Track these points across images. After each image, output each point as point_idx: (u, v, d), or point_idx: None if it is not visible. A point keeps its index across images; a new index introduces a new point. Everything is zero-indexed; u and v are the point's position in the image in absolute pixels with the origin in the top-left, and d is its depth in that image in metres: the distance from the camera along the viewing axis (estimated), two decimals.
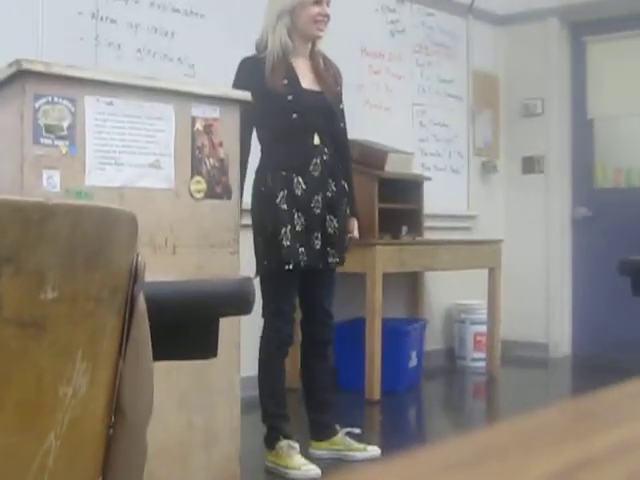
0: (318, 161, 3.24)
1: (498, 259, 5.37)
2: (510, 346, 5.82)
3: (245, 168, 3.12)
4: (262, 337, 3.27)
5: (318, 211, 3.23)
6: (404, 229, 5.01)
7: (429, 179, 5.35)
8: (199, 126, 2.58)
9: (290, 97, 3.19)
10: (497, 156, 6.35)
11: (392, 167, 4.93)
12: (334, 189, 3.29)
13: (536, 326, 6.15)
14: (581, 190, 6.18)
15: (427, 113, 5.82)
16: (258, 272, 3.19)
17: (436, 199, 5.48)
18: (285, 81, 3.20)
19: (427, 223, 5.27)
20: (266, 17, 3.26)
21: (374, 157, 4.87)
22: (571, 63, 6.24)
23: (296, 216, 3.19)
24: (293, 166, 3.20)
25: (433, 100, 5.87)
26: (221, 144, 2.64)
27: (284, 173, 3.19)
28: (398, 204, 4.99)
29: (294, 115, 3.19)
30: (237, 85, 3.11)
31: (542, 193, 6.21)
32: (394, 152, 5.00)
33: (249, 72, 3.18)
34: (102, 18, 4.05)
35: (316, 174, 3.23)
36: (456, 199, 6.02)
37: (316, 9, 3.21)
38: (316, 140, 3.25)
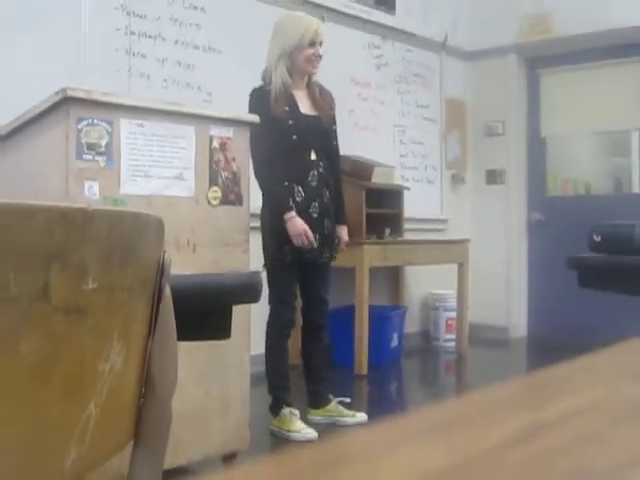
0: (315, 173, 3.24)
1: (466, 256, 5.38)
2: (476, 329, 5.82)
3: (273, 180, 3.12)
4: (268, 322, 3.27)
5: (316, 215, 3.23)
6: (387, 231, 5.01)
7: (408, 189, 5.35)
8: (216, 144, 2.58)
9: (291, 122, 3.19)
10: (465, 169, 6.36)
11: (377, 178, 4.93)
12: (328, 196, 3.30)
13: (498, 312, 6.16)
14: (535, 198, 6.19)
15: (406, 133, 5.83)
16: (265, 265, 3.20)
17: (414, 205, 5.49)
18: (287, 108, 3.20)
19: (406, 225, 5.28)
20: (269, 55, 3.26)
21: (362, 170, 4.87)
22: (527, 91, 6.24)
23: None
24: (294, 177, 3.20)
25: (411, 122, 5.88)
26: (234, 159, 2.64)
27: (287, 184, 3.20)
28: (382, 209, 4.99)
29: (294, 136, 3.20)
30: (251, 110, 3.12)
31: (502, 201, 6.22)
32: (379, 166, 5.00)
33: (258, 100, 3.18)
34: (134, 54, 4.05)
35: (313, 184, 3.24)
36: (430, 205, 6.03)
37: (311, 51, 3.21)
38: (313, 156, 3.25)
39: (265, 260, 3.21)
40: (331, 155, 3.35)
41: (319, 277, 3.33)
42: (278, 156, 3.17)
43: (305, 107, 3.27)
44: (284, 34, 3.23)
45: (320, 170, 3.26)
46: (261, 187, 3.18)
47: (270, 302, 3.22)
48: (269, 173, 3.13)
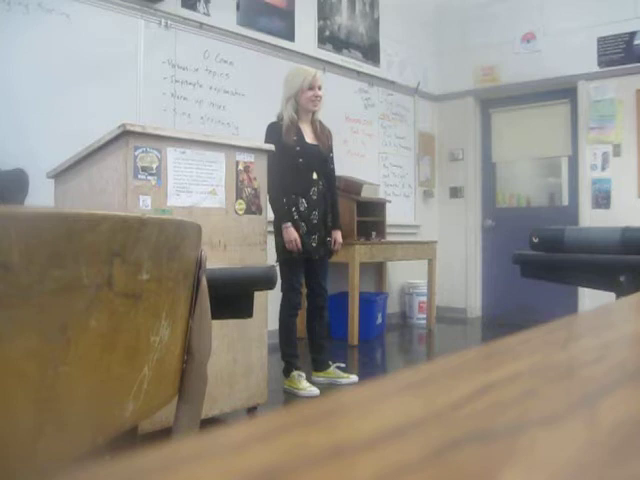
0: (316, 189, 3.24)
1: (434, 253, 5.37)
2: (441, 310, 5.83)
3: (279, 198, 3.11)
4: (281, 304, 3.27)
5: (315, 221, 3.24)
6: (373, 234, 5.01)
7: (389, 201, 5.35)
8: (241, 167, 2.59)
9: (298, 148, 3.19)
10: (433, 186, 6.36)
11: (366, 193, 4.93)
12: (324, 207, 3.29)
13: (458, 297, 6.15)
14: (488, 209, 6.19)
15: (388, 158, 5.83)
16: (278, 260, 3.20)
17: (394, 214, 5.49)
18: (295, 138, 3.20)
19: (388, 230, 5.28)
20: (282, 100, 3.27)
21: (354, 187, 4.87)
22: (481, 126, 6.24)
23: (302, 224, 3.19)
24: (299, 191, 3.20)
25: (392, 150, 5.87)
26: (255, 178, 2.64)
27: (294, 196, 3.19)
28: (370, 218, 4.99)
29: (300, 160, 3.20)
30: (267, 140, 3.11)
31: (462, 210, 6.21)
32: (367, 184, 5.00)
33: (273, 132, 3.18)
34: (178, 97, 4.05)
35: (314, 197, 3.24)
36: (407, 214, 6.03)
37: (310, 93, 3.20)
38: (314, 176, 3.25)
39: (278, 255, 3.21)
40: (329, 176, 3.35)
41: (320, 269, 3.33)
42: (287, 174, 3.17)
43: (309, 138, 3.27)
44: (290, 83, 3.24)
45: (320, 187, 3.26)
46: (270, 201, 3.11)
47: (282, 289, 3.22)
48: (277, 193, 3.10)
